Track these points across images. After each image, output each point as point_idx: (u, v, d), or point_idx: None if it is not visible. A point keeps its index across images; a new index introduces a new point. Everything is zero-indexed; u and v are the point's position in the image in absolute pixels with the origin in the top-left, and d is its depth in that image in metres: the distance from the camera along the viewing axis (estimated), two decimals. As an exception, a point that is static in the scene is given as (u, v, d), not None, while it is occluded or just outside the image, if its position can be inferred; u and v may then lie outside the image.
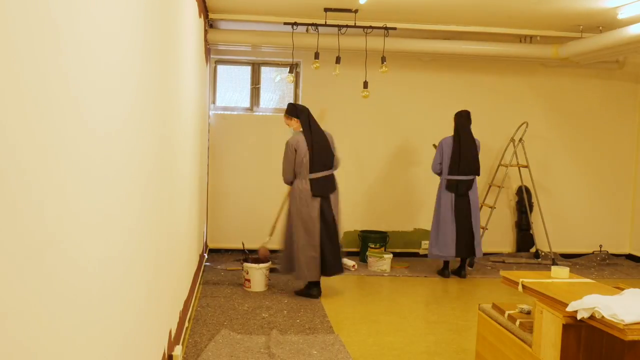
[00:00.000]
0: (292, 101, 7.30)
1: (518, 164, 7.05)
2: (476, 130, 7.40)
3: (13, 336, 1.00)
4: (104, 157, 1.61)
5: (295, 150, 5.35)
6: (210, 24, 6.39)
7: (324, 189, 5.35)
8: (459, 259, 6.41)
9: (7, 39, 0.95)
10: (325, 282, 5.87)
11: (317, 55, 6.08)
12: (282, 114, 7.18)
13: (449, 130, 7.36)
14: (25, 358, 1.07)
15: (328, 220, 5.34)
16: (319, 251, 5.27)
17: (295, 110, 5.46)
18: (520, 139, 6.99)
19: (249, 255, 5.77)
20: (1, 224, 0.94)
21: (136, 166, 2.08)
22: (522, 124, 6.99)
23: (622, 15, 5.44)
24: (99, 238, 1.57)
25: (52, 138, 1.19)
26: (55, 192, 1.21)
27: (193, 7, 4.35)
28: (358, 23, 6.07)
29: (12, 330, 1.00)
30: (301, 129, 5.39)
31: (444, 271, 6.37)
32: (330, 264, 5.35)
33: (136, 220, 2.11)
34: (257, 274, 5.49)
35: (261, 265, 5.51)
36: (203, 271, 6.10)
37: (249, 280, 5.49)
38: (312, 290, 5.40)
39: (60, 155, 1.24)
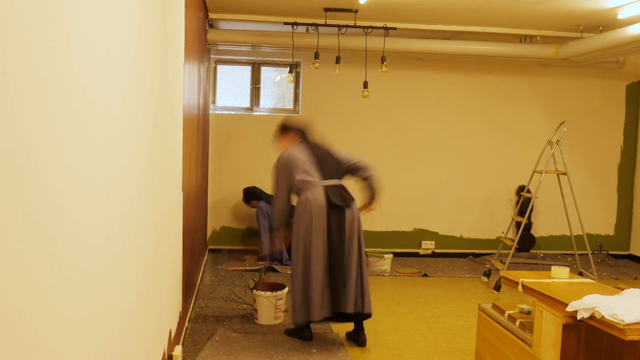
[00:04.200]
0: (291, 100, 7.30)
1: (556, 169, 6.05)
2: (476, 130, 7.41)
3: (15, 323, 1.00)
4: (106, 132, 1.61)
5: (288, 164, 4.21)
6: (210, 24, 6.38)
7: (338, 197, 4.12)
8: None
9: (10, 8, 0.96)
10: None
11: (317, 55, 6.08)
12: (282, 114, 7.24)
13: (448, 130, 7.37)
14: (27, 350, 1.07)
15: (337, 243, 4.08)
16: (319, 283, 4.04)
17: (285, 127, 4.44)
18: (558, 141, 5.95)
19: (262, 278, 4.79)
20: (5, 197, 0.95)
21: (136, 145, 2.07)
22: (561, 123, 5.96)
23: (622, 15, 5.44)
24: (100, 220, 1.57)
25: (54, 113, 1.19)
26: (57, 167, 1.22)
27: None
28: (358, 23, 6.07)
29: (15, 309, 0.99)
30: (296, 143, 4.33)
31: None
32: (340, 299, 4.07)
33: (135, 209, 2.11)
34: (264, 304, 4.52)
35: (269, 293, 4.52)
36: (203, 271, 6.10)
37: (256, 311, 4.59)
38: (304, 331, 4.18)
39: (63, 130, 1.25)
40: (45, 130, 1.14)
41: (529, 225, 7.36)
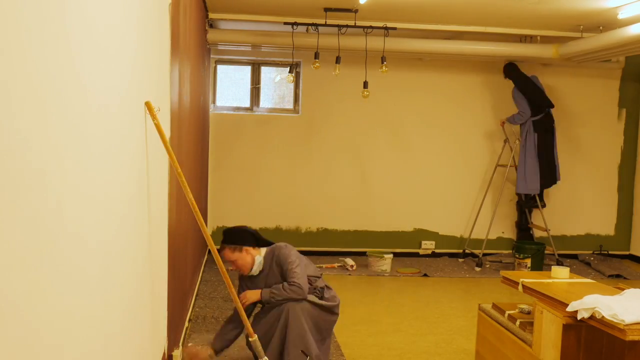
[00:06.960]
0: (291, 100, 7.29)
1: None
2: (476, 130, 7.41)
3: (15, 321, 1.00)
4: (105, 130, 1.62)
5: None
6: (210, 24, 6.38)
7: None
8: None
9: (11, 7, 0.96)
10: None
11: (317, 55, 6.08)
12: (282, 114, 7.25)
13: (449, 130, 7.37)
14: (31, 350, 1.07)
15: None
16: None
17: (241, 237, 3.78)
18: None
19: None
20: (4, 196, 0.95)
21: (135, 144, 2.07)
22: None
23: (622, 15, 5.43)
24: (98, 225, 1.57)
25: (54, 111, 1.20)
26: (57, 165, 1.22)
27: None
28: (358, 23, 6.06)
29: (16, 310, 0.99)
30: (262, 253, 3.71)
31: None
32: None
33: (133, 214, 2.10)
34: None
35: None
36: (203, 271, 6.10)
37: None
38: None
39: (63, 128, 1.25)
40: (45, 128, 1.14)
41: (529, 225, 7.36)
